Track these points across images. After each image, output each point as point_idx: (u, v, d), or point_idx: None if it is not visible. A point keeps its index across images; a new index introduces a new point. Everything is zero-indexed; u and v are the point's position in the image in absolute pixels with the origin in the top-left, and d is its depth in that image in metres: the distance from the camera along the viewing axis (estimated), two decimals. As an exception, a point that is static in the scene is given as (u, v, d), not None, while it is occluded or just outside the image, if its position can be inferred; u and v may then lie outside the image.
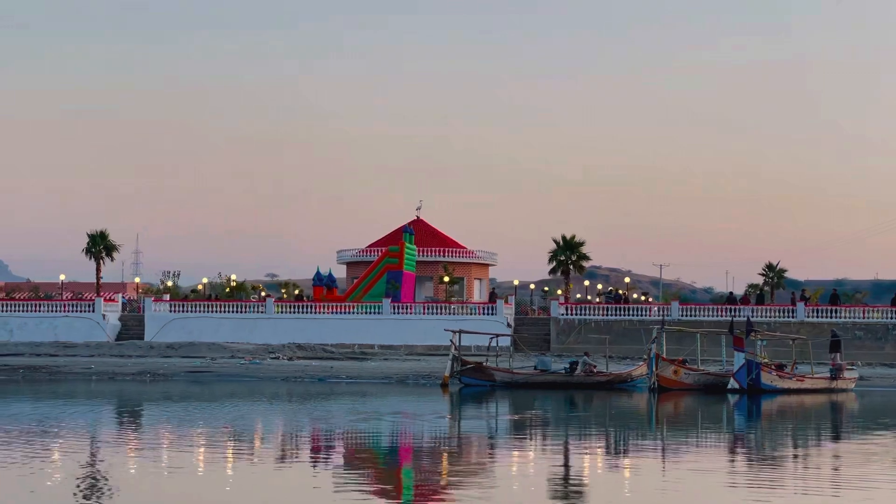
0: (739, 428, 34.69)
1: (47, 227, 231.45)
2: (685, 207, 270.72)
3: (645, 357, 49.27)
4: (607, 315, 67.68)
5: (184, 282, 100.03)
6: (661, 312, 62.45)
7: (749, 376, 45.03)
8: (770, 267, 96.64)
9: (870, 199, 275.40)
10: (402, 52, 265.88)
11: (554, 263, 70.54)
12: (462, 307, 70.82)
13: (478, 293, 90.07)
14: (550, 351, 65.27)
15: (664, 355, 47.17)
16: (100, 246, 70.35)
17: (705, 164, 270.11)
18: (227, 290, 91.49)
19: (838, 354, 51.17)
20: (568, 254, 69.56)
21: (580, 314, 68.19)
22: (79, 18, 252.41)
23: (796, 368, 49.20)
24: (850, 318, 66.23)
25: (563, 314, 67.99)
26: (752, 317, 65.16)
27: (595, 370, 49.79)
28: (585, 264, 70.78)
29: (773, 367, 46.56)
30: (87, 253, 70.97)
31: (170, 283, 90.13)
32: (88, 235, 70.82)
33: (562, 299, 71.73)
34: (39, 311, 68.80)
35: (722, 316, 66.29)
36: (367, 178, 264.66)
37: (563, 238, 70.02)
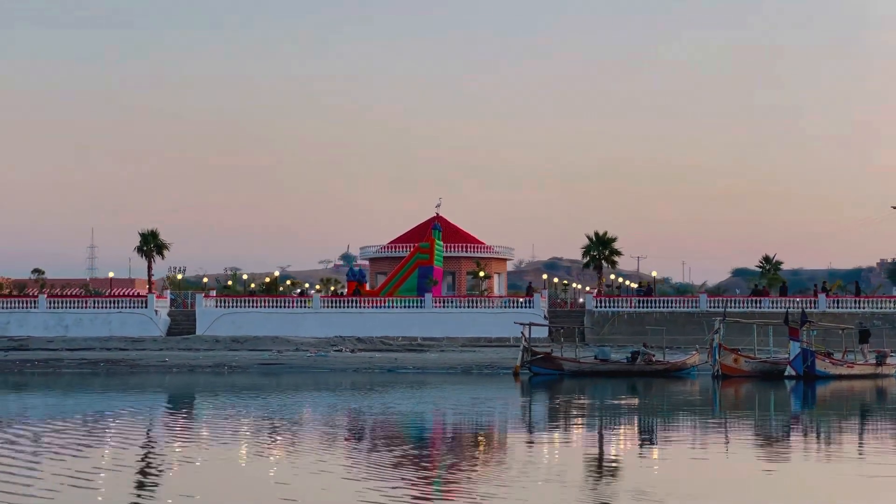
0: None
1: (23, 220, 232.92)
2: (641, 199, 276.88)
3: (703, 347, 53.12)
4: (639, 307, 71.39)
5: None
6: (723, 305, 66.04)
7: (805, 364, 48.81)
8: (767, 259, 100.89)
9: (823, 193, 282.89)
10: (405, 48, 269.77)
11: (587, 259, 74.24)
12: (502, 301, 74.34)
13: (497, 287, 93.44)
14: (585, 341, 68.73)
15: (725, 344, 50.83)
16: (151, 244, 73.19)
17: (663, 157, 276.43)
18: (252, 286, 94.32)
19: (867, 345, 55.27)
20: (601, 249, 73.27)
21: (613, 306, 71.83)
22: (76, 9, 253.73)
23: (848, 356, 52.98)
24: (868, 308, 70.33)
25: (596, 307, 71.63)
26: (776, 308, 69.30)
27: (654, 359, 53.45)
28: (614, 259, 74.49)
29: (825, 355, 50.39)
30: (138, 251, 73.81)
31: (205, 279, 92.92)
32: (140, 235, 73.68)
33: (595, 292, 75.41)
34: (94, 308, 71.46)
35: (744, 308, 70.30)
36: (359, 174, 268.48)
37: (596, 234, 73.77)
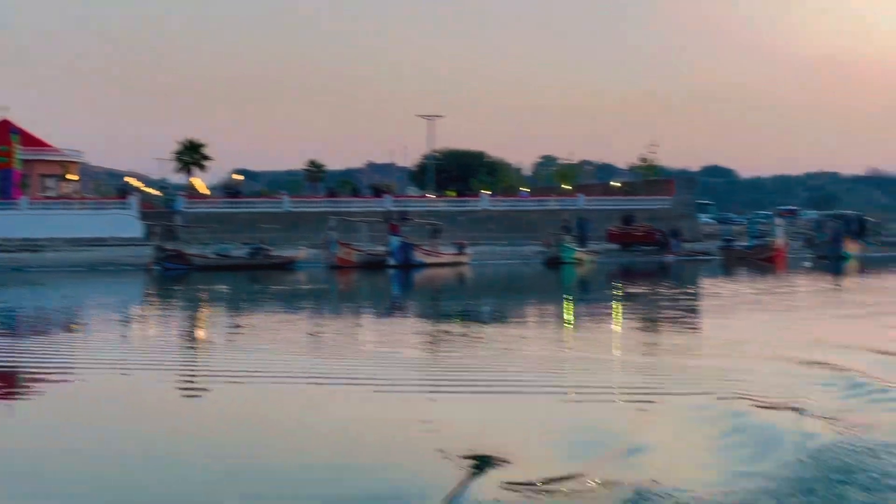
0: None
1: None
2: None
3: (321, 242, 60.99)
4: (227, 208, 77.65)
5: None
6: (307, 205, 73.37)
7: (404, 255, 58.04)
8: (313, 163, 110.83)
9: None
10: None
11: (180, 164, 79.34)
12: (99, 203, 77.64)
13: (71, 189, 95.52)
14: (178, 240, 74.02)
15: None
16: None
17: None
18: None
19: (438, 239, 65.67)
20: (192, 154, 78.60)
21: (203, 207, 77.58)
22: None
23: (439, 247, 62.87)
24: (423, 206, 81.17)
25: (186, 208, 77.02)
26: (350, 208, 78.38)
27: (272, 254, 60.60)
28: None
29: (421, 246, 59.91)
30: None
31: None
32: None
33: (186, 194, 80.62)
34: None
35: (322, 207, 78.80)
36: None
37: (189, 141, 78.97)
